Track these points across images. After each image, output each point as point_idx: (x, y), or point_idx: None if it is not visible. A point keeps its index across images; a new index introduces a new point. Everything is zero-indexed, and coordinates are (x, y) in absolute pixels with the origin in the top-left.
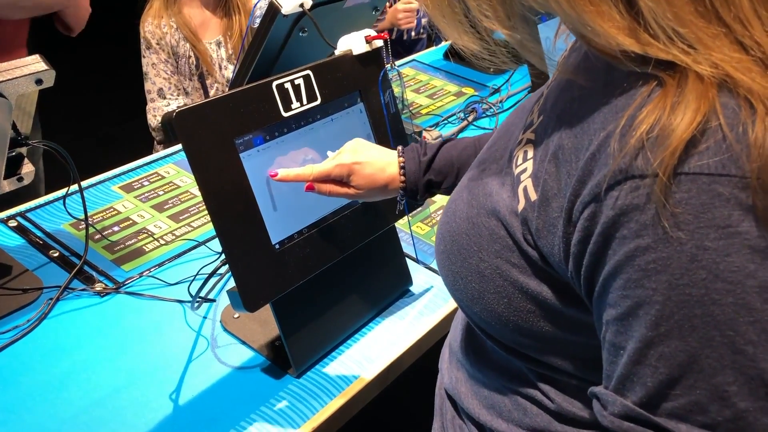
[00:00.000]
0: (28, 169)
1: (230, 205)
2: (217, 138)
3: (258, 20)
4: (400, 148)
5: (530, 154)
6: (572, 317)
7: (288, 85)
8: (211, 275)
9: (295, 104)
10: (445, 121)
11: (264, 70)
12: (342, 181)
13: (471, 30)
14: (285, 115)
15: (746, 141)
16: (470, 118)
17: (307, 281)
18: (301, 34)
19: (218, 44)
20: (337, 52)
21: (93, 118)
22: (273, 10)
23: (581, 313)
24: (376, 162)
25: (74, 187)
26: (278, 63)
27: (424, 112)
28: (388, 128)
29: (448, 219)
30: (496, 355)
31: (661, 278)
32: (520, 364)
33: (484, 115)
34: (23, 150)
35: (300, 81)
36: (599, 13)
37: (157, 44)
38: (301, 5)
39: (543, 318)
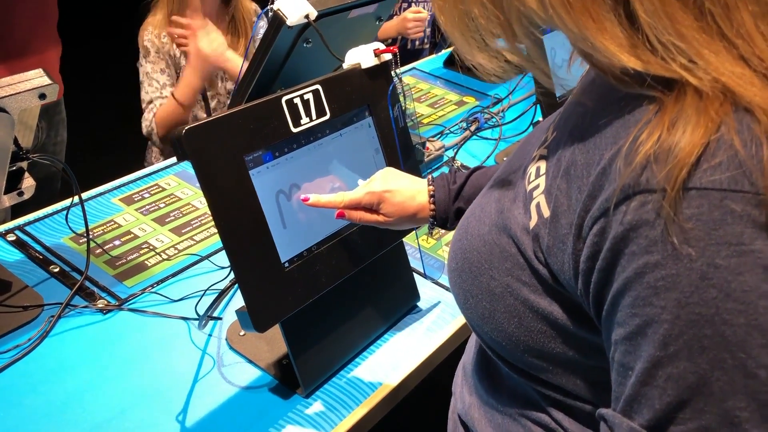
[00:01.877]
0: (28, 183)
1: (240, 223)
2: (226, 155)
3: (261, 31)
4: (429, 176)
5: (543, 169)
6: (583, 339)
7: (297, 100)
8: (220, 294)
9: (305, 119)
10: (448, 131)
11: (267, 82)
12: (372, 208)
13: (484, 47)
14: (294, 130)
15: (760, 157)
16: (472, 128)
17: (315, 299)
18: (305, 45)
19: None
20: (345, 66)
21: (88, 126)
22: (278, 21)
23: (592, 335)
24: (406, 190)
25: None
26: (281, 75)
27: (425, 121)
28: (397, 143)
29: (461, 236)
30: (509, 380)
31: (670, 296)
32: (532, 389)
33: (486, 125)
34: (24, 164)
35: (309, 96)
36: (601, 30)
37: (156, 53)
38: (307, 16)
39: (554, 339)
